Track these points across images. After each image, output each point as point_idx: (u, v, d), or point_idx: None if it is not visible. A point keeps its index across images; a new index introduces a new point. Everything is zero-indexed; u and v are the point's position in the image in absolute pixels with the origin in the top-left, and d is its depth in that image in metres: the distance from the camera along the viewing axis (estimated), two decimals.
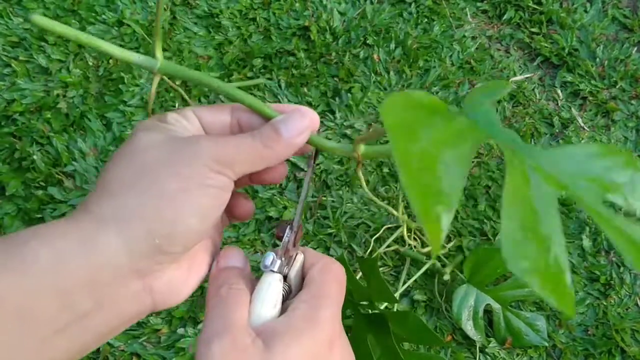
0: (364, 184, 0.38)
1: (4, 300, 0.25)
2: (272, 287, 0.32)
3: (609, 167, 0.23)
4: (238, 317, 0.30)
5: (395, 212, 0.55)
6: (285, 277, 0.34)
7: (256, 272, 0.51)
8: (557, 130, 0.95)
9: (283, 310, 0.32)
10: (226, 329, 0.29)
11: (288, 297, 0.34)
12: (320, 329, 0.30)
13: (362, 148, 0.34)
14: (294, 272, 0.34)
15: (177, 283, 0.32)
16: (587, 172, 0.23)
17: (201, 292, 0.79)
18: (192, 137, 0.31)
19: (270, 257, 0.33)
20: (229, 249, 0.35)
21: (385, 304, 0.76)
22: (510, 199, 0.20)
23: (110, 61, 0.95)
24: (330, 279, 0.33)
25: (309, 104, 0.94)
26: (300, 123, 0.33)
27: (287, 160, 0.41)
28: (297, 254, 0.35)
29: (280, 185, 0.88)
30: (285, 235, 0.35)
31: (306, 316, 0.30)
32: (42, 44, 0.95)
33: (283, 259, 0.34)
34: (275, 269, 0.33)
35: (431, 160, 0.19)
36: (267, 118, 0.34)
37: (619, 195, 0.23)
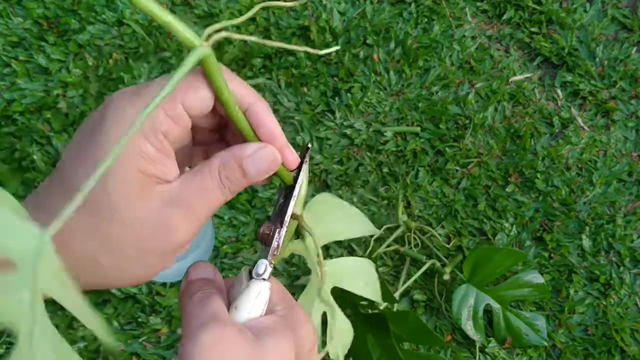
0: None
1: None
2: (261, 296, 0.31)
3: None
4: (218, 310, 0.29)
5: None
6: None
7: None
8: (557, 130, 0.95)
9: None
10: (211, 319, 0.28)
11: None
12: (303, 330, 0.30)
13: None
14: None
15: None
16: None
17: None
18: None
19: (262, 265, 0.32)
20: (198, 263, 0.33)
21: (385, 303, 0.76)
22: None
23: (110, 61, 0.95)
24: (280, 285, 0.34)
25: (309, 104, 0.94)
26: (268, 163, 0.31)
27: None
28: None
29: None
30: (274, 239, 0.34)
31: (288, 316, 0.31)
32: (42, 43, 0.95)
33: (272, 264, 0.32)
34: (267, 277, 0.32)
35: None
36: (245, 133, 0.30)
37: None
